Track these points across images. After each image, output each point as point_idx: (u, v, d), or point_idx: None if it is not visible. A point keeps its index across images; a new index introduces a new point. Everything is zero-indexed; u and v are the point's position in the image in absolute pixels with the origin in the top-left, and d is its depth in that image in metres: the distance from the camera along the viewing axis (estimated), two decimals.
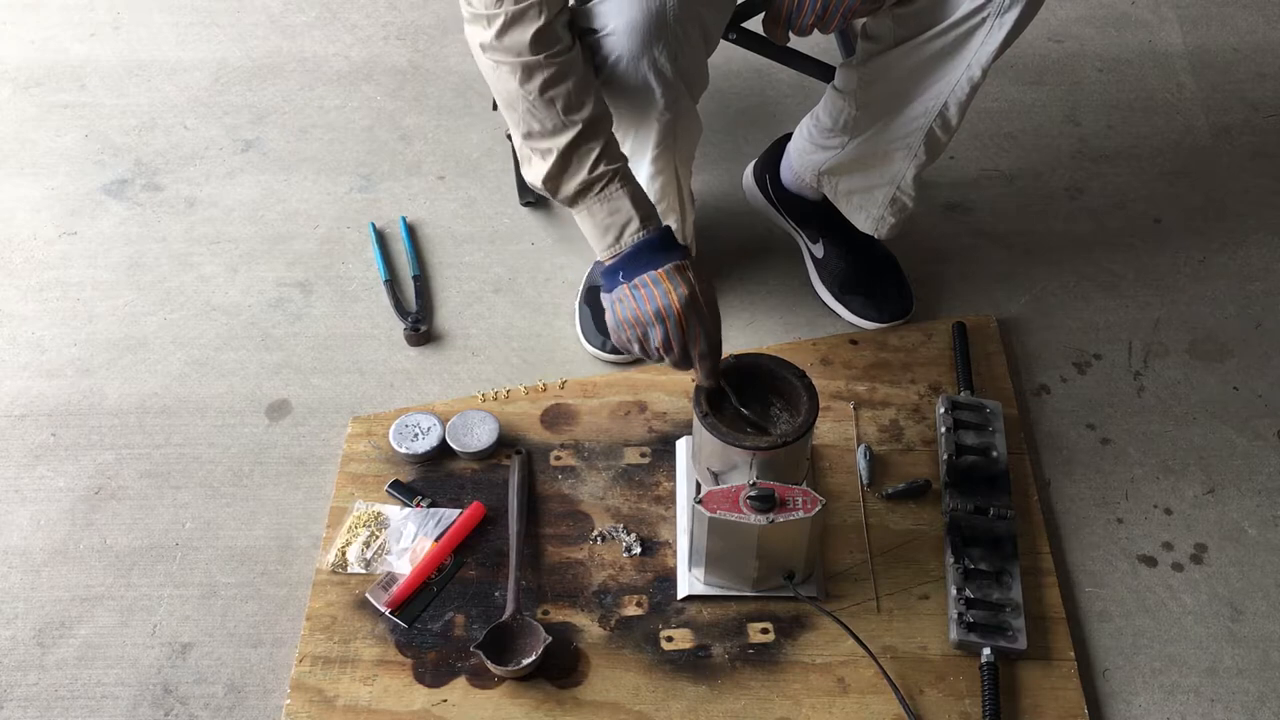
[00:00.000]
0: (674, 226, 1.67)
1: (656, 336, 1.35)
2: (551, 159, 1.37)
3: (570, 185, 1.38)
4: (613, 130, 1.40)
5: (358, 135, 2.13)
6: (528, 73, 1.33)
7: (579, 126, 1.35)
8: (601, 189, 1.37)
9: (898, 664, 1.43)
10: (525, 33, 1.31)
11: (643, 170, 1.57)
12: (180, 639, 1.48)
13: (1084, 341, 1.80)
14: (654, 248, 1.36)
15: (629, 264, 1.36)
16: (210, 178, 2.05)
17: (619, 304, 1.37)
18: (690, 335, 1.35)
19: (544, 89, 1.34)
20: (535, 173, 1.40)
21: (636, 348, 1.39)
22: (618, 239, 1.37)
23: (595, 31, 1.40)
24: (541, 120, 1.36)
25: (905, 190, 1.67)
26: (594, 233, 1.39)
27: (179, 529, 1.58)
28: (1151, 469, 1.65)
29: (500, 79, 1.37)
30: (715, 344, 1.38)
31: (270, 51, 2.29)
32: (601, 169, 1.36)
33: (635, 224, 1.36)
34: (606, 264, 1.39)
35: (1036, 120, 2.15)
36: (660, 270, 1.34)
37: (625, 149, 1.52)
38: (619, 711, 1.39)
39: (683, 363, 1.37)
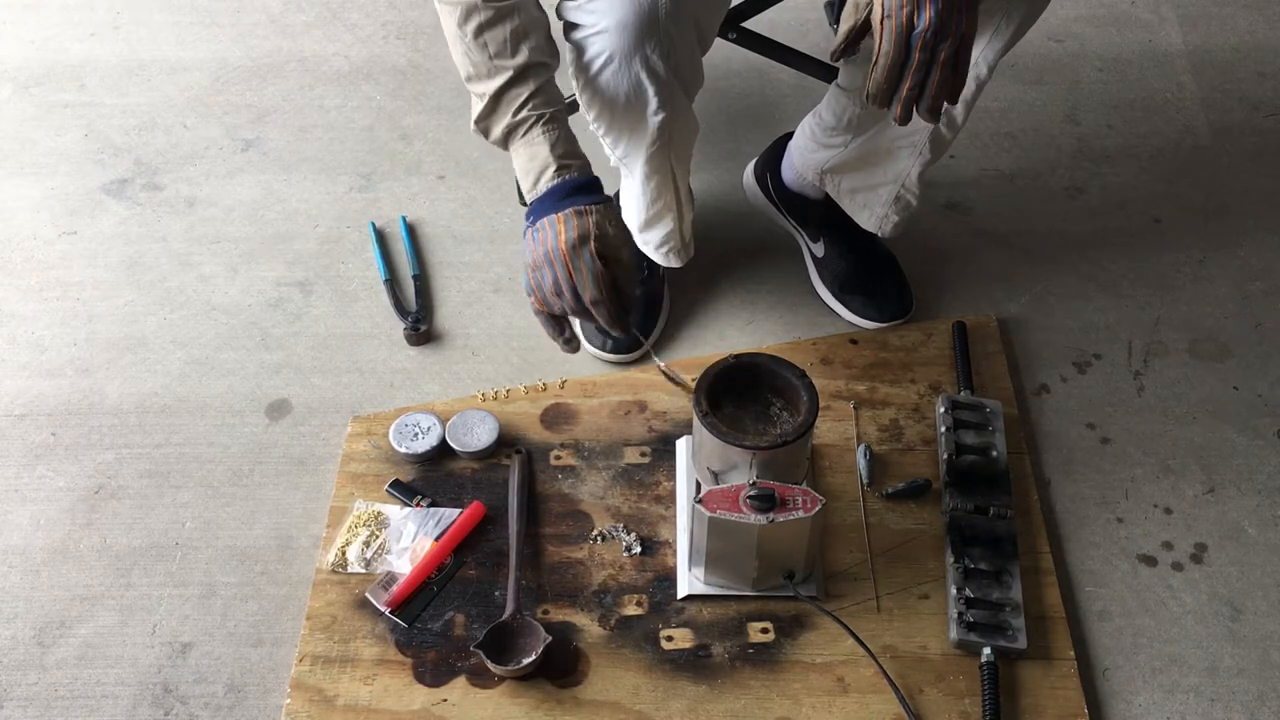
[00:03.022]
0: (670, 227, 1.67)
1: (548, 281, 1.33)
2: (484, 102, 1.38)
3: (497, 129, 1.38)
4: (552, 79, 1.39)
5: (358, 135, 2.12)
6: (465, 14, 1.34)
7: (509, 73, 1.35)
8: (525, 133, 1.36)
9: (898, 663, 1.43)
10: None
11: (637, 170, 1.56)
12: (180, 639, 1.48)
13: (1084, 341, 1.80)
14: (564, 192, 1.34)
15: (538, 208, 1.35)
16: (210, 177, 2.05)
17: (524, 250, 1.36)
18: (580, 280, 1.32)
19: (479, 31, 1.34)
20: (472, 115, 1.41)
21: (539, 296, 1.35)
22: (535, 184, 1.36)
23: (585, 29, 1.40)
24: (475, 63, 1.36)
25: (910, 188, 1.67)
26: (520, 177, 1.39)
27: (179, 529, 1.58)
28: (1151, 469, 1.64)
29: (443, 19, 1.37)
30: (615, 291, 1.33)
31: (270, 51, 2.29)
32: (525, 113, 1.36)
33: (551, 170, 1.35)
34: (526, 209, 1.38)
35: (1036, 120, 2.15)
36: (559, 213, 1.32)
37: (620, 149, 1.52)
38: (619, 711, 1.39)
39: (579, 310, 1.34)
